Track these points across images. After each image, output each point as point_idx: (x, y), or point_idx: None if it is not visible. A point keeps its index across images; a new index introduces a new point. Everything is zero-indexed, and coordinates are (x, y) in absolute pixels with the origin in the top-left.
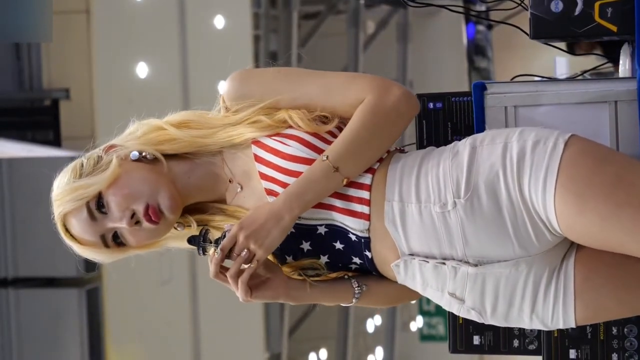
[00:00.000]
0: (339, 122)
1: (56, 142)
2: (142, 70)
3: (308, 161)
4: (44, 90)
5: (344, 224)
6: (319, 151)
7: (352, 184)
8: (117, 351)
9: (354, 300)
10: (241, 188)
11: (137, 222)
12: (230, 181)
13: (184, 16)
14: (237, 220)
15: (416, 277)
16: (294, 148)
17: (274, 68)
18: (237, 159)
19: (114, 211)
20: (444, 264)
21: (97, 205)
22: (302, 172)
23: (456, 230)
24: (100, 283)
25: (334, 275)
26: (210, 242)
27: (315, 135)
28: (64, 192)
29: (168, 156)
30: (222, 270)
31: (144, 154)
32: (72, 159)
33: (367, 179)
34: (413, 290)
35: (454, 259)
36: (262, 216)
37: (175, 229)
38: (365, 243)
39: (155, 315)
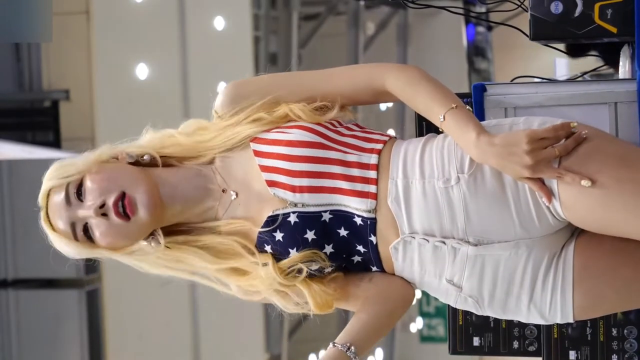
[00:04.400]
0: (338, 111)
1: (56, 144)
2: (142, 71)
3: (311, 144)
4: (44, 92)
5: (350, 207)
6: (323, 136)
7: (357, 165)
8: (116, 352)
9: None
10: (236, 195)
11: (104, 215)
12: (223, 191)
13: (184, 17)
14: (228, 235)
15: (414, 261)
16: (295, 134)
17: (269, 74)
18: (232, 163)
19: (87, 199)
20: (444, 243)
21: (76, 190)
22: (305, 156)
23: (458, 205)
24: (100, 284)
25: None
26: None
27: (317, 124)
28: (52, 168)
29: (163, 165)
30: None
31: (142, 157)
32: None
33: (373, 159)
34: (404, 307)
35: (454, 238)
36: None
37: (149, 244)
38: (371, 226)
39: (155, 317)
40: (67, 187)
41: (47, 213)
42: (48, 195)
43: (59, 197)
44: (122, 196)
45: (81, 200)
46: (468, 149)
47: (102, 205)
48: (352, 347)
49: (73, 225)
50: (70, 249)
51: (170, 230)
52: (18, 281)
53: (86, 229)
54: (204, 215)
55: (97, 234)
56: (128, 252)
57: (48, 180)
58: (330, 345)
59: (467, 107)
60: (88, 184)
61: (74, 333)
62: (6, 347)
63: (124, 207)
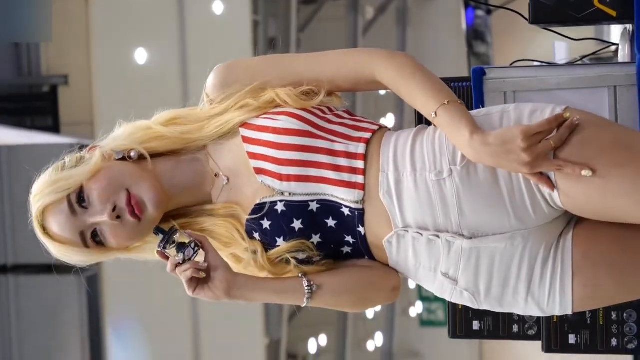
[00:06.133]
0: (325, 96)
1: (55, 129)
2: (141, 56)
3: (298, 133)
4: (43, 77)
5: (337, 197)
6: (309, 123)
7: (345, 154)
8: (116, 337)
9: (305, 301)
10: (228, 180)
11: (119, 217)
12: (216, 175)
13: (183, 1)
14: (224, 218)
15: (408, 254)
16: (283, 122)
17: (258, 57)
18: (223, 149)
19: (95, 205)
20: (437, 237)
21: (78, 199)
22: (292, 145)
23: (451, 198)
24: (100, 269)
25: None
26: (174, 243)
27: (305, 110)
28: (44, 184)
29: (153, 156)
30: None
31: (129, 153)
32: (71, 145)
33: (360, 148)
34: (387, 287)
35: (448, 232)
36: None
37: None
38: (358, 216)
39: (155, 301)
40: (68, 198)
41: (43, 227)
42: (43, 212)
43: (61, 210)
44: (129, 195)
45: (85, 208)
46: (462, 149)
47: (114, 208)
48: (314, 287)
49: (82, 234)
50: (81, 257)
51: (170, 216)
52: (17, 267)
53: (95, 234)
54: (201, 199)
55: (109, 236)
56: (139, 249)
57: (44, 197)
58: (301, 274)
59: (460, 100)
60: (91, 188)
61: (73, 318)
62: (6, 333)
63: (133, 208)
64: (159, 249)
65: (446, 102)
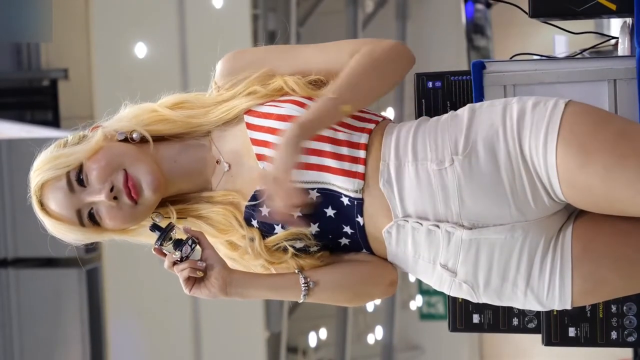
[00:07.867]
0: None
1: (55, 123)
2: (140, 50)
3: None
4: (43, 71)
5: (337, 186)
6: None
7: (347, 144)
8: (117, 330)
9: (302, 297)
10: (229, 167)
11: (116, 198)
12: (217, 162)
13: None
14: (223, 205)
15: (407, 245)
16: (287, 109)
17: (267, 46)
18: (227, 136)
19: (93, 184)
20: (437, 227)
21: (77, 177)
22: None
23: (452, 188)
24: (100, 262)
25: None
26: (171, 239)
27: (310, 99)
28: (44, 160)
29: (156, 140)
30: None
31: (131, 134)
32: None
33: (363, 138)
34: (384, 282)
35: (448, 222)
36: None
37: (153, 219)
38: (358, 206)
39: (155, 294)
40: (67, 175)
41: (41, 203)
42: (42, 187)
43: (59, 186)
44: (126, 176)
45: (83, 186)
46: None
47: (112, 189)
48: (310, 284)
49: (79, 212)
50: (76, 236)
51: (168, 201)
52: (18, 260)
53: (91, 214)
54: (200, 186)
55: (106, 217)
56: (135, 232)
57: (43, 172)
58: (297, 270)
59: (337, 96)
60: (90, 167)
61: (74, 312)
62: (7, 327)
63: (130, 189)
64: (156, 246)
65: (331, 96)
